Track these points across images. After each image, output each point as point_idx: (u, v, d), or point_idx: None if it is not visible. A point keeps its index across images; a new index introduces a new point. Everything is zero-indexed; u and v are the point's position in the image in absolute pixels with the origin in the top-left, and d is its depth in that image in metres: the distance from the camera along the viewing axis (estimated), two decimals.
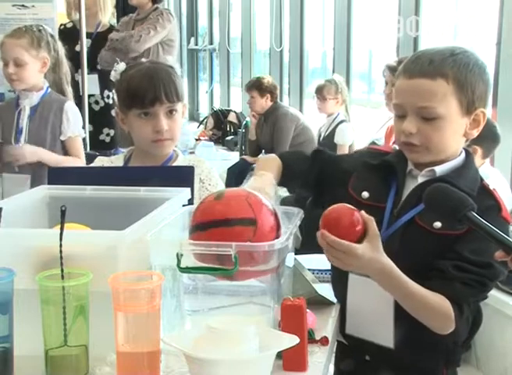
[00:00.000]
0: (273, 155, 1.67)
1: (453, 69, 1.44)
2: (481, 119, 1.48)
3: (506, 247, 1.19)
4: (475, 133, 1.49)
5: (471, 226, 1.23)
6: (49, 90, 2.88)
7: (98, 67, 4.49)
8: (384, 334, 1.47)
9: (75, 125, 2.87)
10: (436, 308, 1.38)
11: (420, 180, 1.50)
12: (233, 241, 1.22)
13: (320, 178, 1.62)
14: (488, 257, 1.37)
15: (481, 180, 1.52)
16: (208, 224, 1.28)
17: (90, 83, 4.21)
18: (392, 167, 1.53)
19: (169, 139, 1.89)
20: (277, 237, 1.29)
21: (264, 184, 1.47)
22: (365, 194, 1.53)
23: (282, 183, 1.62)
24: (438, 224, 1.42)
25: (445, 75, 1.43)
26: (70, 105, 2.89)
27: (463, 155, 1.53)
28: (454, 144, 1.49)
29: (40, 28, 2.87)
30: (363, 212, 1.36)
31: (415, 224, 1.46)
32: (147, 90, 1.84)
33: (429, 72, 1.43)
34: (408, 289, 1.37)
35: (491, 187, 1.50)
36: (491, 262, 1.38)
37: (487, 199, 1.41)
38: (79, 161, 2.85)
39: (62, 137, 2.84)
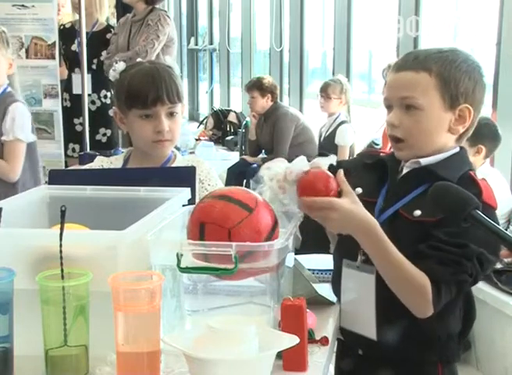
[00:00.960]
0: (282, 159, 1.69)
1: (437, 64, 1.47)
2: (466, 115, 1.49)
3: (511, 245, 1.19)
4: (461, 129, 1.50)
5: (476, 224, 1.23)
6: (7, 90, 2.76)
7: (93, 67, 4.50)
8: (367, 326, 1.49)
9: (17, 128, 2.74)
10: (413, 279, 1.38)
11: (405, 170, 1.52)
12: (228, 213, 1.28)
13: None
14: (464, 239, 1.38)
15: (470, 170, 1.51)
16: (212, 196, 1.35)
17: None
18: (385, 165, 1.55)
19: (169, 140, 1.89)
20: (271, 236, 1.29)
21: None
22: (359, 190, 1.54)
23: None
24: (417, 212, 1.43)
25: (428, 69, 1.46)
26: (16, 107, 2.75)
27: (455, 150, 1.53)
28: (438, 139, 1.50)
29: (4, 29, 2.78)
30: (340, 173, 1.40)
31: (400, 215, 1.47)
32: (149, 90, 1.83)
33: (413, 65, 1.48)
34: (388, 251, 1.38)
35: (479, 177, 1.50)
36: (466, 242, 1.38)
37: (469, 188, 1.37)
38: (5, 166, 2.71)
39: (2, 139, 2.72)
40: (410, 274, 1.38)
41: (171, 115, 1.87)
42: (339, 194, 1.38)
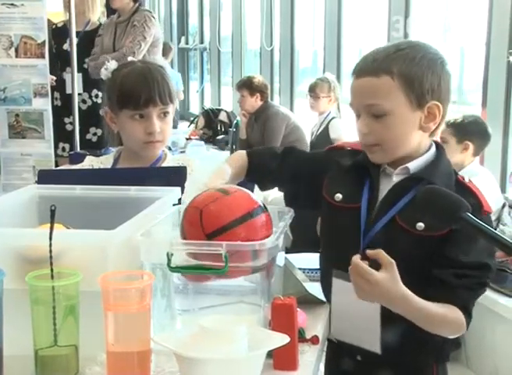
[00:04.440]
0: (242, 152, 1.67)
1: (398, 64, 1.42)
2: (435, 111, 1.45)
3: (504, 246, 1.19)
4: (432, 126, 1.47)
5: (466, 227, 1.23)
6: None
7: (84, 66, 4.48)
8: (370, 340, 1.47)
9: None
10: (451, 321, 1.40)
11: (395, 178, 1.50)
12: (206, 197, 1.29)
13: (293, 176, 1.61)
14: (480, 256, 1.41)
15: (456, 174, 1.51)
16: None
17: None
18: (364, 167, 1.52)
19: (160, 141, 1.88)
20: (243, 221, 1.27)
21: (216, 178, 1.50)
22: (338, 195, 1.52)
23: (251, 179, 1.63)
24: (421, 225, 1.42)
25: (389, 71, 1.42)
26: None
27: (433, 149, 1.52)
28: (411, 139, 1.47)
29: None
30: (375, 252, 1.33)
31: (396, 224, 1.46)
32: (142, 91, 1.82)
33: (373, 69, 1.43)
34: (424, 312, 1.37)
35: (466, 180, 1.50)
36: (486, 261, 1.41)
37: (467, 197, 1.36)
38: None
39: None
40: (446, 319, 1.39)
41: (163, 115, 1.86)
42: (376, 265, 1.32)
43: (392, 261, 1.32)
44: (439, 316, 1.38)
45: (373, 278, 1.30)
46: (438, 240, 1.42)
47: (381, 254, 1.32)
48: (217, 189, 1.32)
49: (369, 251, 1.33)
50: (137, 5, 4.41)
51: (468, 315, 1.41)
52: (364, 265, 1.31)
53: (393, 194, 1.48)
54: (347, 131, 4.94)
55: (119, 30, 4.40)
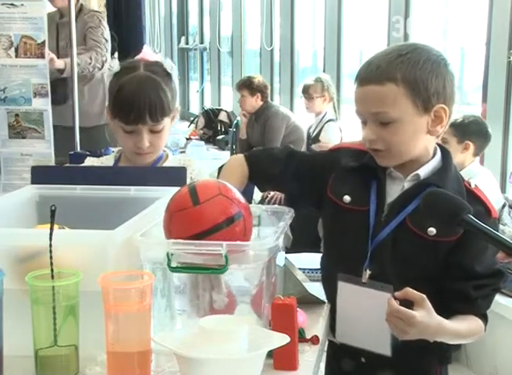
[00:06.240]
0: (240, 158, 1.64)
1: (401, 70, 1.41)
2: (442, 114, 1.45)
3: (506, 248, 1.19)
4: (440, 129, 1.47)
5: (469, 229, 1.24)
6: None
7: None
8: (381, 343, 1.46)
9: None
10: (475, 331, 1.46)
11: (406, 185, 1.50)
12: (177, 199, 1.28)
13: (296, 179, 1.61)
14: (492, 262, 1.44)
15: (462, 179, 1.52)
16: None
17: None
18: (372, 169, 1.51)
19: (150, 153, 1.87)
20: (206, 236, 1.24)
21: None
22: (347, 198, 1.51)
23: (252, 183, 1.63)
24: (433, 230, 1.42)
25: (393, 78, 1.41)
26: None
27: (439, 153, 1.52)
28: (419, 143, 1.47)
29: None
30: (405, 292, 1.35)
31: (406, 227, 1.45)
32: (132, 109, 1.78)
33: (377, 77, 1.42)
34: (455, 331, 1.42)
35: (472, 186, 1.50)
36: (497, 267, 1.45)
37: (474, 204, 1.37)
38: None
39: None
40: (471, 332, 1.46)
41: (154, 130, 1.83)
42: (406, 302, 1.34)
43: (423, 295, 1.34)
44: (465, 330, 1.44)
45: (415, 320, 1.32)
46: (448, 246, 1.43)
47: (409, 292, 1.34)
48: (192, 192, 1.26)
49: (397, 294, 1.35)
50: (80, 3, 4.21)
51: (486, 319, 1.47)
52: (404, 310, 1.32)
53: (403, 199, 1.48)
54: (340, 136, 4.89)
55: (64, 33, 4.10)
